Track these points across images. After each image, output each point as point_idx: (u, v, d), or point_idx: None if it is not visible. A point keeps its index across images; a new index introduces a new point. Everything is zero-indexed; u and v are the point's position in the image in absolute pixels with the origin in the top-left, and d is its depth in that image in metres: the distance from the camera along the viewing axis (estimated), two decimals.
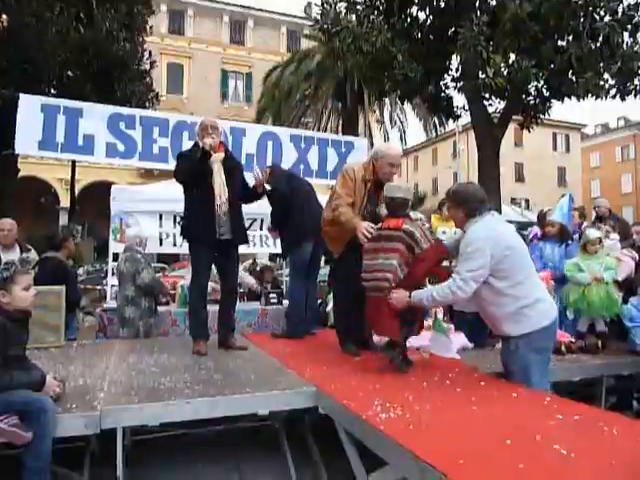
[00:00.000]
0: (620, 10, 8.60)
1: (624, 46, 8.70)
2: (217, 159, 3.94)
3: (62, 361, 3.49)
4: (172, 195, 6.32)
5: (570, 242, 4.94)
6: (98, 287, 10.74)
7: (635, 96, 9.14)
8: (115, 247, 6.27)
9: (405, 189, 3.32)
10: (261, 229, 6.79)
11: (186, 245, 6.11)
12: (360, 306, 3.94)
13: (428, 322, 4.32)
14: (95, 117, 6.06)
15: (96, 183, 22.31)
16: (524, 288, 2.86)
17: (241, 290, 6.12)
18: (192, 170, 3.85)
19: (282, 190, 4.65)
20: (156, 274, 5.33)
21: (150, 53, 15.09)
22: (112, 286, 6.41)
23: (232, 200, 3.97)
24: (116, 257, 6.53)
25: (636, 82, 9.04)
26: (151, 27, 15.14)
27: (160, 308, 5.35)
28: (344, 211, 3.62)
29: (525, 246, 3.06)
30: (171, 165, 6.41)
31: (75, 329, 5.45)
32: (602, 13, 8.52)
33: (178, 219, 6.44)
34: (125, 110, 6.51)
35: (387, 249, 3.14)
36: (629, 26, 8.74)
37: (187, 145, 6.42)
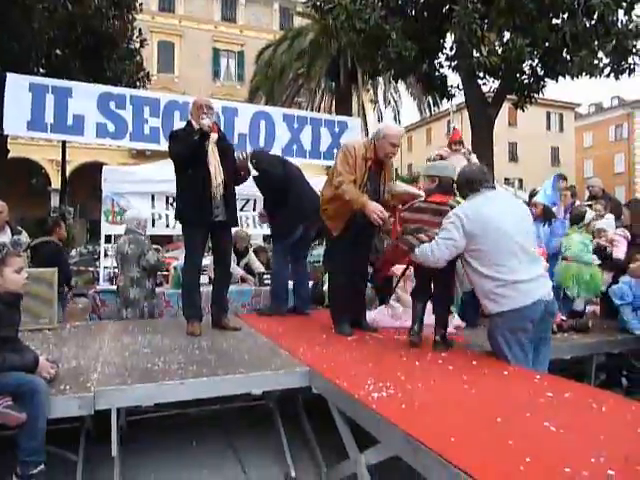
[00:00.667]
0: None
1: (619, 24, 8.64)
2: (212, 140, 3.89)
3: (55, 343, 3.49)
4: (164, 176, 6.26)
5: (554, 220, 5.02)
6: (91, 269, 10.70)
7: (629, 74, 9.11)
8: (107, 229, 6.23)
9: (452, 169, 3.47)
10: (254, 210, 6.76)
11: (179, 226, 6.12)
12: (356, 286, 3.97)
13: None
14: (85, 97, 5.96)
15: (87, 164, 22.08)
16: (503, 269, 2.88)
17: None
18: (190, 151, 3.81)
19: (278, 174, 4.63)
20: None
21: (140, 31, 14.80)
22: (105, 268, 6.40)
23: (227, 181, 3.94)
24: (108, 239, 6.50)
25: (630, 60, 9.00)
26: (141, 4, 14.84)
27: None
28: (348, 189, 3.61)
29: (518, 227, 2.96)
30: (163, 146, 6.34)
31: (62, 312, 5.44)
32: None
33: (171, 200, 6.39)
34: (115, 89, 6.42)
35: (431, 222, 3.27)
36: (624, 4, 8.65)
37: (179, 125, 6.37)
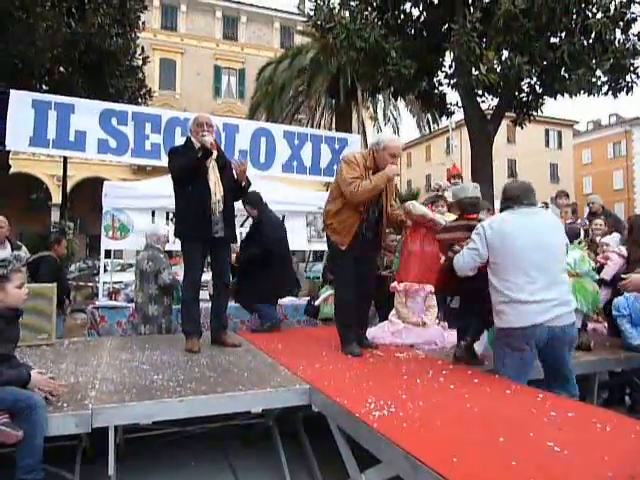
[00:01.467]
0: (612, 7, 8.59)
1: (616, 43, 8.70)
2: (212, 157, 3.93)
3: (53, 359, 3.46)
4: (165, 191, 6.27)
5: None
6: (90, 284, 10.67)
7: (627, 93, 9.17)
8: (107, 244, 6.22)
9: (472, 188, 3.84)
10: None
11: (178, 242, 6.13)
12: (360, 301, 3.92)
13: (423, 319, 4.34)
14: (87, 113, 6.00)
15: (88, 179, 22.18)
16: (508, 285, 2.91)
17: None
18: (192, 168, 3.84)
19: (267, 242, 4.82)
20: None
21: (143, 48, 14.97)
22: (104, 283, 6.38)
23: (225, 198, 3.97)
24: (108, 254, 6.49)
25: (628, 79, 9.05)
26: (143, 22, 15.02)
27: None
28: (364, 184, 3.58)
29: (539, 247, 2.92)
30: (164, 161, 6.34)
31: (61, 328, 5.43)
32: (594, 10, 8.51)
33: (171, 215, 6.40)
34: (117, 106, 6.46)
35: (464, 238, 3.35)
36: (621, 23, 8.74)
37: (180, 141, 6.41)
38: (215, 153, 3.96)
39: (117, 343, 4.20)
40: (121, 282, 7.14)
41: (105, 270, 6.61)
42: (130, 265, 14.78)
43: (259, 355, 3.68)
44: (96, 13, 12.00)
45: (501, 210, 3.24)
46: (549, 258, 2.95)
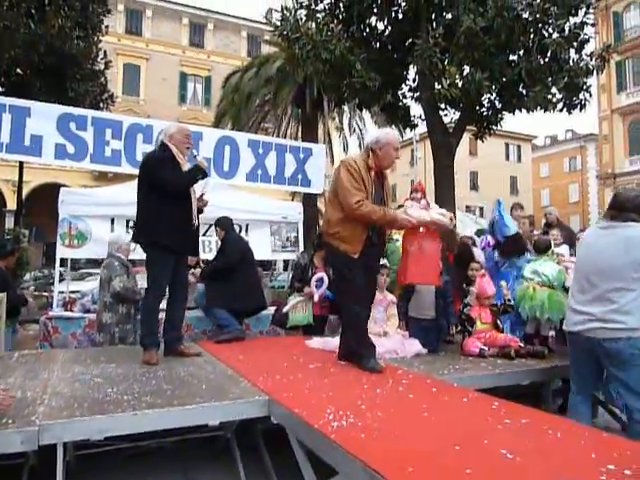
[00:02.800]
0: (567, 28, 8.99)
1: (570, 62, 9.09)
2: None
3: (0, 373, 3.31)
4: (124, 199, 6.16)
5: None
6: (45, 293, 10.29)
7: (580, 110, 9.56)
8: (63, 252, 6.02)
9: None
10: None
11: (140, 250, 5.99)
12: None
13: (384, 328, 4.36)
14: (44, 117, 5.82)
15: (46, 185, 21.44)
16: (572, 292, 3.34)
17: None
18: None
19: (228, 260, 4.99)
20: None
21: (105, 53, 14.69)
22: (60, 293, 6.17)
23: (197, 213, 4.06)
24: (63, 262, 6.28)
25: (581, 96, 9.45)
26: (107, 26, 14.75)
27: None
28: (372, 208, 3.42)
29: (597, 263, 3.10)
30: (124, 168, 6.24)
31: (11, 340, 5.21)
32: (550, 30, 8.87)
33: (131, 224, 6.26)
34: (76, 110, 6.28)
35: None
36: (575, 43, 9.14)
37: (141, 148, 6.30)
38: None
39: (71, 355, 4.05)
40: (78, 292, 6.91)
41: (61, 280, 6.38)
42: (89, 274, 14.38)
43: (219, 366, 3.62)
44: (57, 15, 11.73)
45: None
46: (602, 277, 3.05)
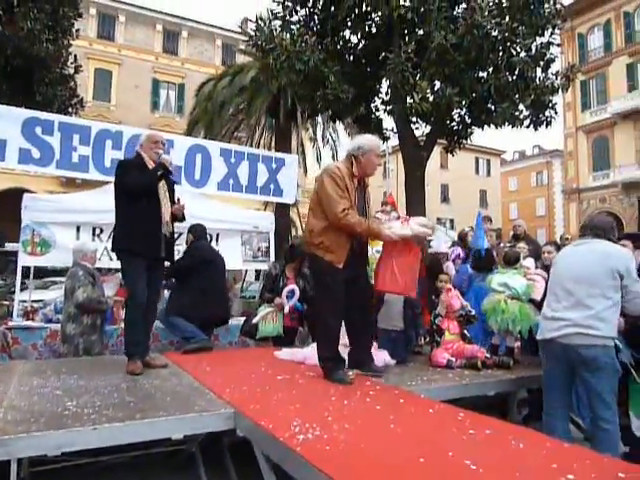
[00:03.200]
0: (534, 47, 9.30)
1: (537, 80, 9.39)
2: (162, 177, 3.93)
3: None
4: (91, 206, 6.04)
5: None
6: (6, 302, 9.93)
7: (546, 126, 9.87)
8: (25, 260, 5.82)
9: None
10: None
11: (105, 259, 5.86)
12: (362, 322, 3.75)
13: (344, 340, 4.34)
14: (8, 120, 5.67)
15: (10, 190, 20.78)
16: (547, 303, 3.42)
17: None
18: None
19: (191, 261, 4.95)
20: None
21: (75, 57, 14.42)
22: (20, 302, 5.96)
23: (171, 218, 3.99)
24: (26, 271, 6.08)
25: (547, 114, 9.76)
26: (77, 30, 14.50)
27: None
28: (356, 220, 3.39)
29: (574, 276, 3.23)
30: (92, 174, 6.12)
31: None
32: (518, 49, 9.14)
33: (97, 231, 6.13)
34: (42, 115, 6.13)
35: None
36: (541, 62, 9.46)
37: (110, 155, 6.20)
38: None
39: (30, 367, 3.91)
40: (41, 301, 6.69)
41: (22, 288, 6.17)
42: (54, 282, 13.96)
43: (185, 378, 3.55)
44: (26, 17, 11.46)
45: None
46: (580, 283, 3.19)
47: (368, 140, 3.64)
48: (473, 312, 4.38)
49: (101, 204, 6.04)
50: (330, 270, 3.46)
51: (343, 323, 3.74)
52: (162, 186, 3.93)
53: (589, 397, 3.19)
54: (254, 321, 5.17)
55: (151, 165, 3.93)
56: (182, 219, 4.21)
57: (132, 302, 3.91)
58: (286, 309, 5.05)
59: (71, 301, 4.62)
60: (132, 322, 3.90)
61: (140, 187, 3.80)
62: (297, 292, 5.14)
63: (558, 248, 4.96)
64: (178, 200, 4.15)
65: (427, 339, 4.54)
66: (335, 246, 3.45)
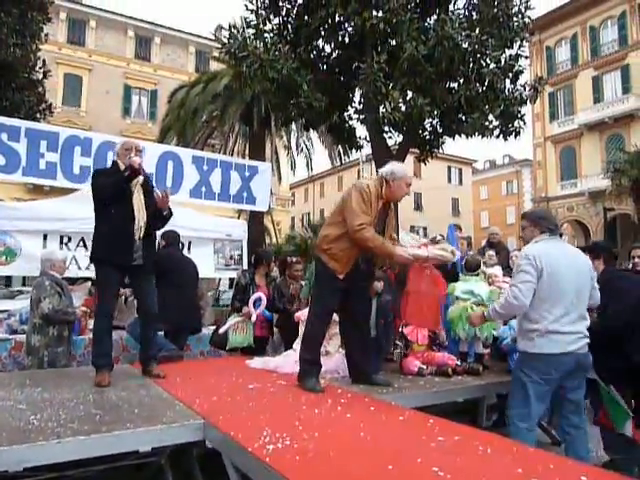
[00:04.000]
0: (503, 59, 9.56)
1: (506, 91, 9.64)
2: (139, 181, 3.83)
3: None
4: (58, 214, 5.92)
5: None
6: None
7: (515, 136, 10.13)
8: None
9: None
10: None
11: (73, 268, 5.74)
12: (360, 336, 3.81)
13: (326, 348, 4.35)
14: None
15: None
16: (547, 315, 3.12)
17: None
18: (116, 187, 3.70)
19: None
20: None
21: (44, 62, 14.13)
22: None
23: (148, 225, 3.85)
24: None
25: (516, 124, 10.02)
26: (46, 35, 14.22)
27: None
28: (372, 235, 3.45)
29: (574, 281, 3.16)
30: (59, 181, 6.00)
31: None
32: (488, 60, 9.38)
33: (65, 240, 5.99)
34: (8, 120, 5.99)
35: None
36: (510, 74, 9.73)
37: (79, 161, 6.09)
38: (142, 178, 3.85)
39: None
40: (6, 311, 6.49)
41: None
42: (20, 292, 13.58)
43: (154, 389, 3.48)
44: None
45: (542, 232, 3.32)
46: (581, 294, 3.19)
47: (401, 168, 3.73)
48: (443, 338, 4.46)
49: (69, 212, 5.93)
50: (329, 277, 3.57)
51: (340, 336, 3.91)
52: (137, 191, 3.82)
53: (569, 403, 3.25)
54: (221, 330, 5.11)
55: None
56: (168, 213, 4.05)
57: (100, 311, 3.85)
58: (253, 317, 5.00)
59: (36, 312, 4.48)
60: (100, 332, 3.82)
61: (106, 188, 3.73)
62: (264, 299, 5.10)
63: None
64: (165, 196, 3.94)
65: (396, 348, 4.52)
66: (341, 255, 3.54)
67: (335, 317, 4.52)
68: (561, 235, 3.43)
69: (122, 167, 3.82)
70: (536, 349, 3.14)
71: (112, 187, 3.72)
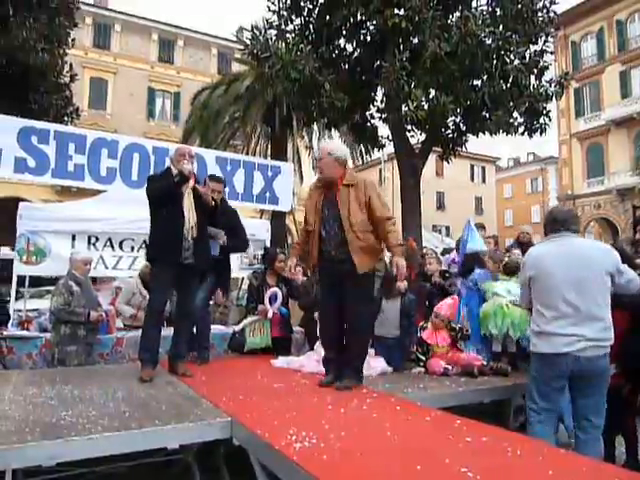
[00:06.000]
0: (527, 55, 9.39)
1: (531, 88, 9.47)
2: (189, 185, 3.98)
3: None
4: (86, 215, 6.05)
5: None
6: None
7: (541, 134, 9.94)
8: (20, 269, 5.80)
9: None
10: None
11: (100, 267, 5.86)
12: (343, 334, 3.79)
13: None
14: (4, 129, 5.69)
15: (5, 199, 20.75)
16: (544, 314, 3.09)
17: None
18: (166, 190, 3.88)
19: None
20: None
21: (71, 66, 14.42)
22: (16, 311, 5.94)
23: (199, 226, 4.00)
24: (21, 280, 6.06)
25: (541, 121, 9.83)
26: (73, 39, 14.53)
27: None
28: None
29: (572, 281, 2.99)
30: (87, 183, 6.13)
31: None
32: (512, 57, 9.23)
33: (93, 240, 6.12)
34: (38, 124, 6.15)
35: None
36: (535, 70, 9.56)
37: (106, 163, 6.21)
38: (192, 182, 4.00)
39: (25, 377, 3.89)
40: (36, 310, 6.66)
41: (17, 298, 6.14)
42: (49, 292, 13.90)
43: (180, 387, 3.53)
44: (21, 27, 11.47)
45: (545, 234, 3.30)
46: (584, 294, 2.98)
47: (341, 148, 3.77)
48: (467, 328, 4.40)
49: (96, 213, 6.06)
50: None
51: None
52: (188, 194, 3.97)
53: (588, 405, 3.09)
54: (236, 329, 5.13)
55: None
56: (212, 209, 4.18)
57: (148, 309, 4.02)
58: (270, 314, 4.99)
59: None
60: (146, 328, 3.95)
61: (155, 192, 3.93)
62: (280, 295, 5.10)
63: None
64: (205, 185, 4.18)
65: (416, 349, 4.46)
66: (367, 248, 3.55)
67: None
68: (576, 231, 3.20)
69: (174, 171, 4.00)
70: (534, 348, 3.19)
71: (163, 191, 3.90)
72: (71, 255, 5.02)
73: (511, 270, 4.64)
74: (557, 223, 3.20)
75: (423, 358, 4.25)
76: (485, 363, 4.22)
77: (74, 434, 2.38)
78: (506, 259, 4.91)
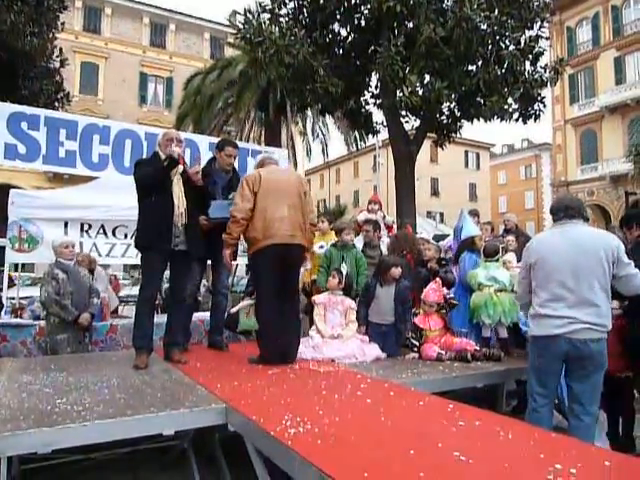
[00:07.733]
0: (523, 40, 9.35)
1: (526, 74, 9.45)
2: (177, 170, 3.91)
3: None
4: (78, 201, 6.00)
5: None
6: None
7: (535, 120, 9.95)
8: (12, 257, 5.77)
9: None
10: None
11: (94, 255, 5.82)
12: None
13: (337, 331, 4.35)
14: None
15: None
16: (539, 298, 3.18)
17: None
18: (156, 176, 3.81)
19: None
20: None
21: (61, 50, 14.22)
22: (8, 299, 5.92)
23: (190, 212, 3.94)
24: (14, 268, 6.03)
25: (536, 107, 9.83)
26: (63, 23, 14.30)
27: None
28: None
29: (570, 266, 3.05)
30: (79, 169, 6.06)
31: None
32: (507, 42, 9.21)
33: (86, 227, 6.08)
34: (28, 109, 6.04)
35: None
36: (530, 56, 9.53)
37: (98, 149, 6.14)
38: (181, 167, 3.92)
39: (19, 365, 3.88)
40: (30, 297, 6.64)
41: (10, 285, 6.12)
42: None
43: (175, 374, 3.54)
44: (9, 10, 11.27)
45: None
46: (580, 280, 3.03)
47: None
48: (452, 296, 4.45)
49: (89, 200, 6.01)
50: None
51: None
52: (177, 179, 3.91)
53: (582, 391, 3.11)
54: (232, 310, 5.15)
55: None
56: (201, 189, 4.13)
57: (140, 296, 3.96)
58: None
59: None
60: (141, 315, 3.92)
61: (144, 178, 3.85)
62: None
63: None
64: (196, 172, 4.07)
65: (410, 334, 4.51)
66: None
67: (351, 303, 4.53)
68: (585, 219, 3.24)
69: (161, 155, 3.92)
70: (530, 332, 3.29)
71: (152, 176, 3.83)
72: (53, 242, 4.91)
73: (489, 254, 4.68)
74: (563, 210, 3.25)
75: (417, 344, 4.29)
76: (477, 348, 4.26)
77: (69, 421, 2.38)
78: (486, 244, 4.95)
